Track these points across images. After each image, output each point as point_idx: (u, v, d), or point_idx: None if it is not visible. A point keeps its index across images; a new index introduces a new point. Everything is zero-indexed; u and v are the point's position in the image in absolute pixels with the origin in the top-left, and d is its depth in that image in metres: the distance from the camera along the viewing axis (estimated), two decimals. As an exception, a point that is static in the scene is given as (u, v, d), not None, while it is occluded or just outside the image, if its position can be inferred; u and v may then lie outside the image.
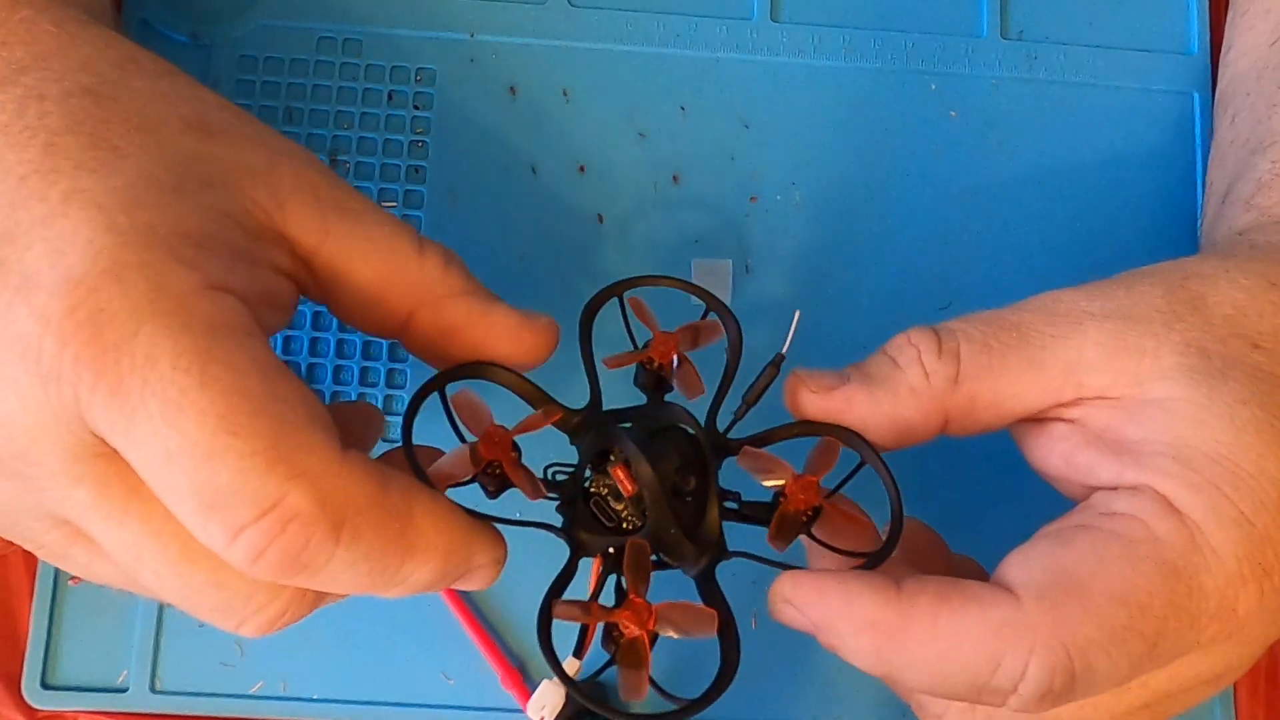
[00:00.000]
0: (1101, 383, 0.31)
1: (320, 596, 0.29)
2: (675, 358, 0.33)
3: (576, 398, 0.33)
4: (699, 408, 0.33)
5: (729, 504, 0.32)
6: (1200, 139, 0.44)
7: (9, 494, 0.27)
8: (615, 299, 0.34)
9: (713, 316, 0.35)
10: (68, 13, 0.30)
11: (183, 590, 0.28)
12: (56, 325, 0.25)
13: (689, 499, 0.31)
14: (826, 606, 0.29)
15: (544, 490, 0.31)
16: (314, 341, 0.41)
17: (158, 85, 0.29)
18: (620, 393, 0.34)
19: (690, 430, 0.32)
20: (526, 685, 0.39)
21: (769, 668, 0.40)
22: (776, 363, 0.32)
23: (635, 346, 0.34)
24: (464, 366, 0.31)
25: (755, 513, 0.31)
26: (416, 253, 0.30)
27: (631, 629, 0.28)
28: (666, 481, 0.30)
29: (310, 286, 0.30)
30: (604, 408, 0.33)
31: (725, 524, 0.31)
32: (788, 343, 0.32)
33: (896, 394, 0.31)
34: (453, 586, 0.30)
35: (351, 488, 0.26)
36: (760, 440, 0.33)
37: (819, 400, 0.31)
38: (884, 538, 0.31)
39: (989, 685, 0.28)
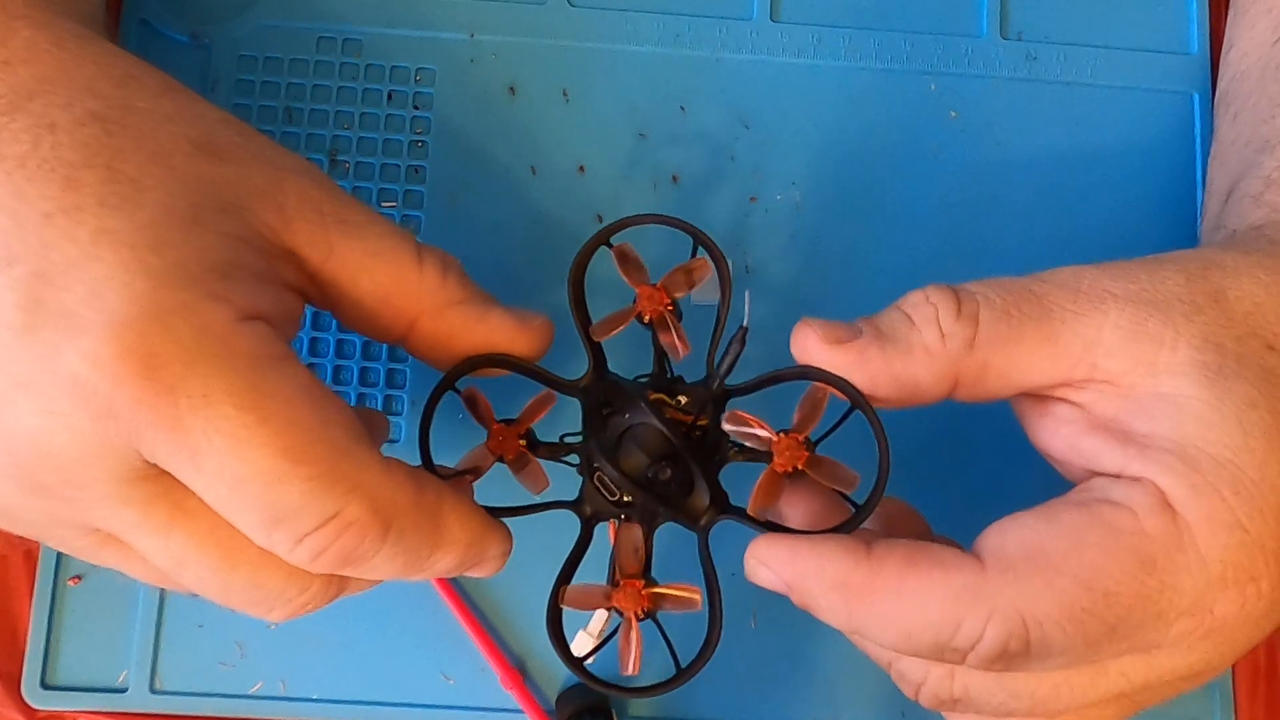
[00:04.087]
0: (1116, 367, 0.31)
1: (344, 586, 0.31)
2: (666, 311, 0.33)
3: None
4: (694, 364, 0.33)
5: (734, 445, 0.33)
6: (1200, 139, 0.44)
7: (47, 511, 0.29)
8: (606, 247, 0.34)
9: (702, 253, 0.34)
10: (64, 27, 0.30)
11: (222, 590, 0.30)
12: (109, 368, 0.26)
13: (671, 484, 0.32)
14: (799, 567, 0.31)
15: (546, 476, 0.33)
16: (314, 342, 0.41)
17: (161, 105, 0.30)
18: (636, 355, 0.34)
19: (656, 424, 0.32)
20: (526, 685, 0.39)
21: (769, 668, 0.40)
22: (742, 336, 0.32)
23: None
24: (468, 361, 0.33)
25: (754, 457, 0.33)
26: (416, 263, 0.32)
27: (626, 609, 0.31)
28: (640, 476, 0.32)
29: (317, 298, 0.32)
30: (611, 370, 0.34)
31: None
32: (747, 314, 0.32)
33: (910, 353, 0.31)
34: (465, 574, 0.32)
35: (397, 493, 0.29)
36: (759, 384, 0.33)
37: (830, 351, 0.31)
38: (861, 502, 0.32)
39: (949, 645, 0.29)
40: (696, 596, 0.31)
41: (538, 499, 0.33)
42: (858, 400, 0.31)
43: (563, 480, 0.33)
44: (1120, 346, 0.30)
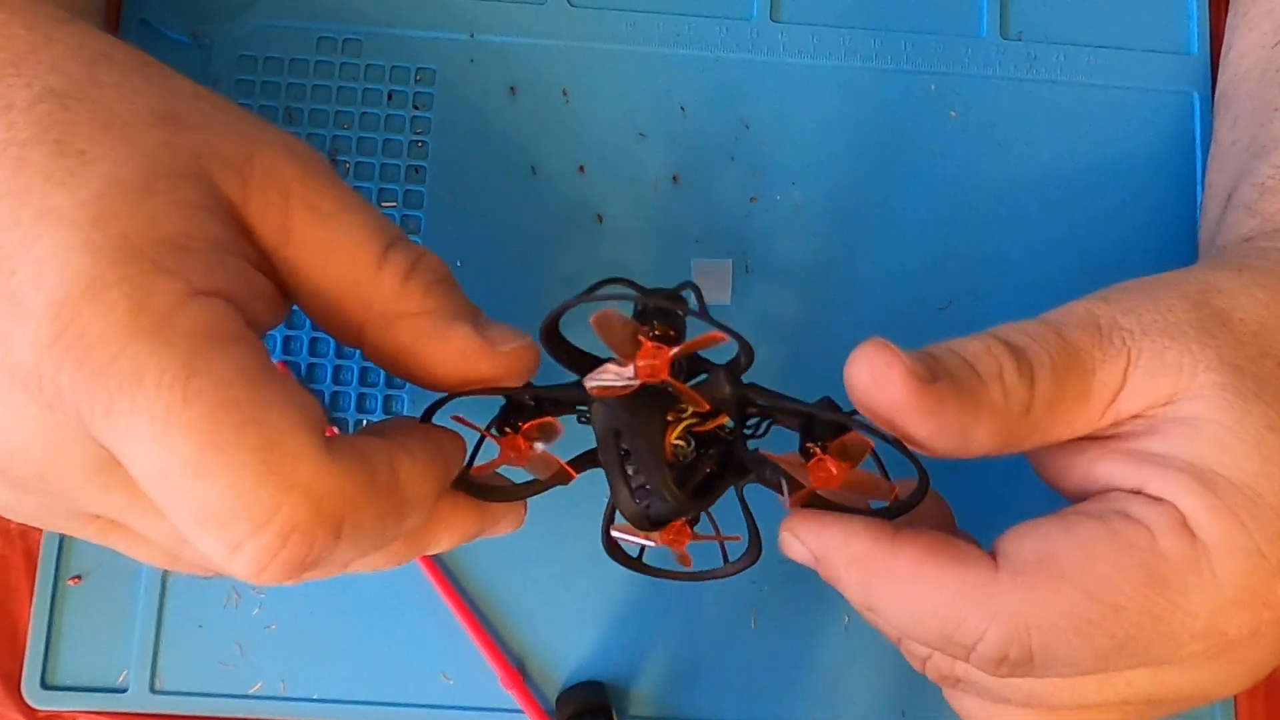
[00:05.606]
0: (1138, 405, 0.30)
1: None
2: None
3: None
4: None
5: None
6: (1200, 139, 0.44)
7: (40, 505, 0.28)
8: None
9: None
10: (43, 11, 0.29)
11: (226, 566, 0.28)
12: (48, 352, 0.24)
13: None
14: (826, 539, 0.31)
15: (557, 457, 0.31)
16: (314, 341, 0.41)
17: (129, 80, 0.28)
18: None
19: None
20: (526, 685, 0.39)
21: (769, 668, 0.40)
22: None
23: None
24: (439, 402, 0.30)
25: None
26: (375, 264, 0.29)
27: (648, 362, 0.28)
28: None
29: (277, 283, 0.29)
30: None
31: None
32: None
33: (978, 409, 0.29)
34: (483, 535, 0.30)
35: (344, 485, 0.26)
36: (781, 406, 0.31)
37: (914, 391, 0.28)
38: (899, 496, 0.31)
39: (953, 638, 0.29)
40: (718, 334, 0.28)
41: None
42: (903, 449, 0.30)
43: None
44: (1141, 385, 0.30)
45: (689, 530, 0.31)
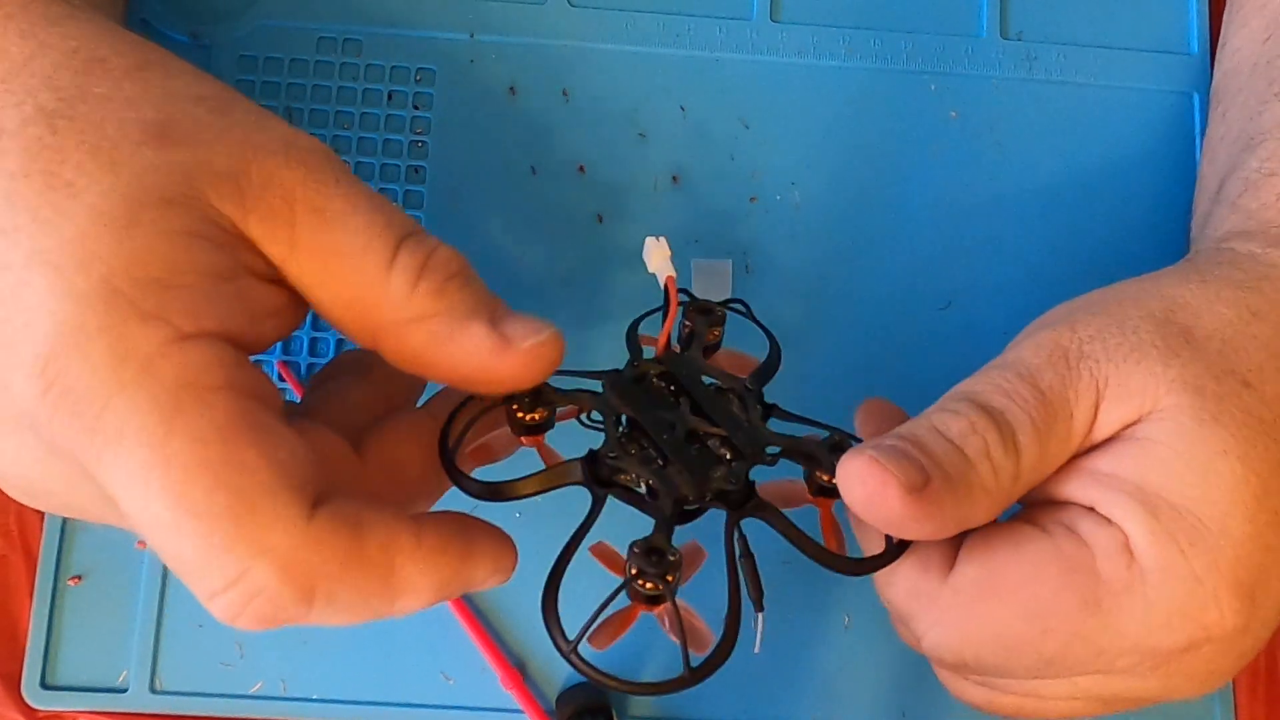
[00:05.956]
0: (1107, 433, 0.31)
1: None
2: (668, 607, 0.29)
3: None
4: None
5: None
6: (1200, 139, 0.44)
7: (81, 514, 0.29)
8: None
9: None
10: (39, 12, 0.29)
11: None
12: (39, 402, 0.25)
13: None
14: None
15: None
16: (314, 341, 0.41)
17: (122, 88, 0.28)
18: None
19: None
20: (526, 685, 0.39)
21: (769, 668, 0.40)
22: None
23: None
24: (455, 416, 0.30)
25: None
26: (384, 269, 0.28)
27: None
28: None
29: (291, 289, 0.29)
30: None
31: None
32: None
33: (971, 494, 0.29)
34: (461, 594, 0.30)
35: (320, 555, 0.25)
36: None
37: (907, 502, 0.29)
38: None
39: (905, 625, 0.32)
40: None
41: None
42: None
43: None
44: (1111, 415, 0.31)
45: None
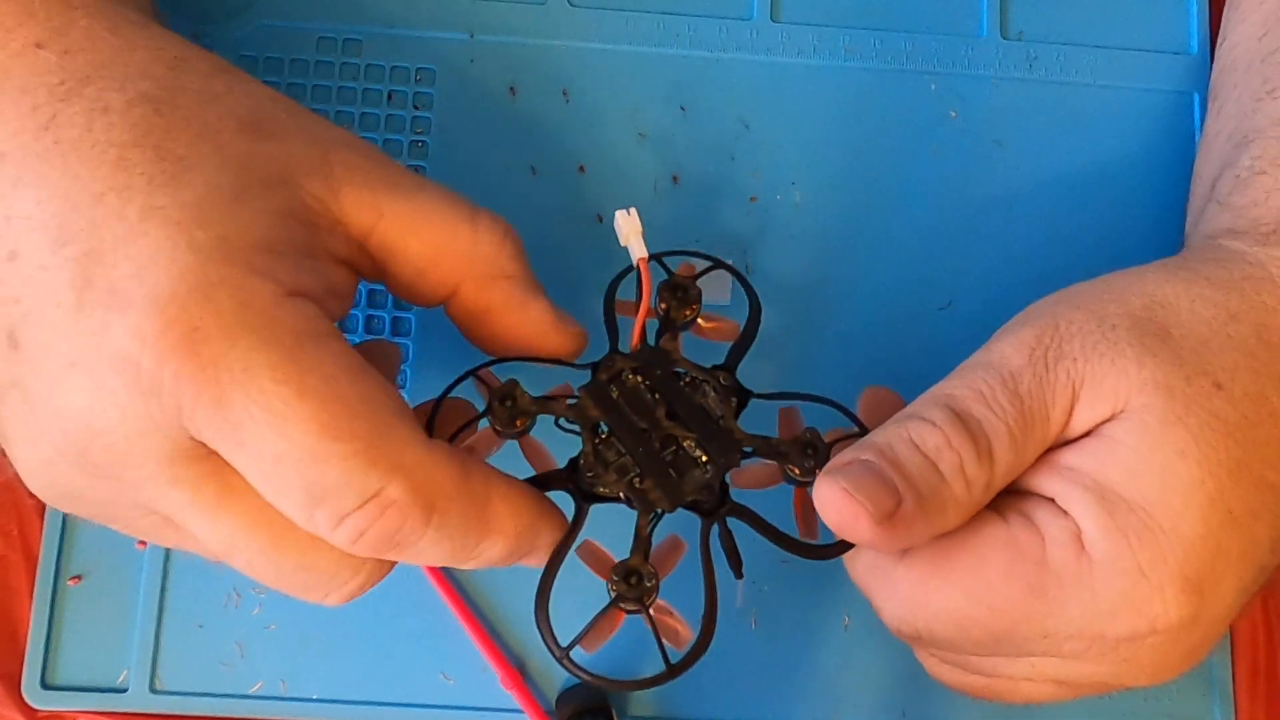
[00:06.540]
0: (1079, 431, 0.32)
1: (395, 564, 0.31)
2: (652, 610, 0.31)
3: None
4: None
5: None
6: (1199, 139, 0.44)
7: (107, 492, 0.29)
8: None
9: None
10: (120, 15, 0.31)
11: (273, 574, 0.30)
12: (153, 343, 0.26)
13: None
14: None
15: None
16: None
17: (211, 85, 0.30)
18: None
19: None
20: (526, 685, 0.39)
21: (769, 668, 0.40)
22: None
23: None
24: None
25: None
26: (470, 225, 0.32)
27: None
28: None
29: (366, 268, 0.32)
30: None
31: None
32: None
33: (944, 510, 0.31)
34: (517, 564, 0.32)
35: (440, 476, 0.28)
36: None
37: (880, 531, 0.30)
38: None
39: (869, 598, 0.34)
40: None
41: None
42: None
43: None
44: (1084, 414, 0.31)
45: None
